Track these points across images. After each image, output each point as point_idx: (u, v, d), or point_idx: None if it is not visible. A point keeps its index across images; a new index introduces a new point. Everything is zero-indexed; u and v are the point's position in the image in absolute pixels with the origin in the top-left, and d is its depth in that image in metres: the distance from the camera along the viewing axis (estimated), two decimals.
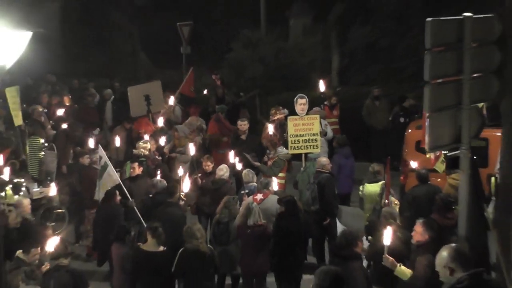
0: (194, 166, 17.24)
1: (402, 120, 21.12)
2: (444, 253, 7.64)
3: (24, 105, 20.94)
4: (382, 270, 11.12)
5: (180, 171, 15.60)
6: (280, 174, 16.59)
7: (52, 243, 11.82)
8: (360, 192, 15.65)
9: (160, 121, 20.20)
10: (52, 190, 15.74)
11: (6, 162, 16.83)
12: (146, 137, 18.64)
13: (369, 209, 14.90)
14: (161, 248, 12.11)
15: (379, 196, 14.74)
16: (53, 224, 14.11)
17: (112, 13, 32.94)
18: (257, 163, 17.14)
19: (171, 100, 22.46)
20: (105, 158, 15.23)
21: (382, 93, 22.67)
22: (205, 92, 25.19)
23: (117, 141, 18.57)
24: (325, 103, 21.77)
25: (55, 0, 30.71)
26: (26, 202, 14.64)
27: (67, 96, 24.93)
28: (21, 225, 13.66)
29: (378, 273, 11.63)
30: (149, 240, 12.09)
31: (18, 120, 18.22)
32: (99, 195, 14.85)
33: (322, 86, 22.01)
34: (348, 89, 23.62)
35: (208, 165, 16.49)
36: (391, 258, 10.66)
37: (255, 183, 15.06)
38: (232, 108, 22.80)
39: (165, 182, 15.18)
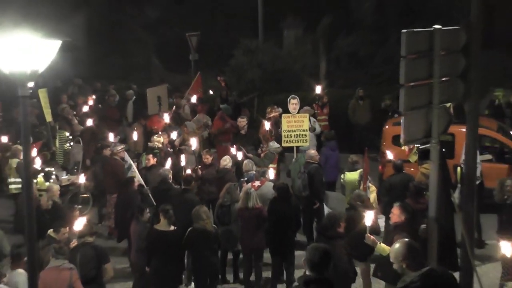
0: (196, 158, 17.38)
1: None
2: (397, 248, 7.58)
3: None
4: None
5: (183, 161, 15.91)
6: (271, 165, 16.60)
7: (78, 223, 11.89)
8: (341, 180, 15.77)
9: (166, 118, 20.22)
10: (81, 178, 15.83)
11: (39, 153, 16.93)
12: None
13: (349, 193, 14.84)
14: (172, 227, 12.13)
15: (357, 183, 14.82)
16: (79, 207, 14.12)
17: (130, 25, 32.96)
18: (250, 155, 17.13)
19: (183, 101, 22.63)
20: (130, 161, 15.36)
21: (365, 94, 22.83)
22: (210, 92, 25.20)
23: (135, 136, 18.62)
24: (317, 102, 21.91)
25: (80, 13, 30.65)
26: (56, 187, 14.69)
27: (91, 96, 24.94)
28: (52, 207, 13.77)
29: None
30: (162, 221, 12.14)
31: (48, 116, 18.37)
32: None
33: (318, 88, 22.24)
34: (333, 91, 23.61)
35: (207, 158, 16.55)
36: (372, 237, 10.75)
37: (254, 172, 15.13)
38: (234, 107, 22.91)
39: (168, 171, 15.12)
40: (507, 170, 16.57)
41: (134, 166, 15.21)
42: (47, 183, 14.91)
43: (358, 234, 11.40)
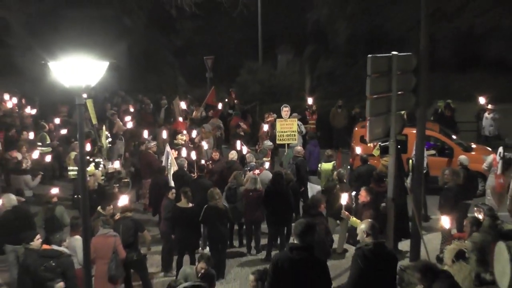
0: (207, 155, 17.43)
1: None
2: (363, 225, 7.75)
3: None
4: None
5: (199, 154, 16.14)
6: (265, 158, 16.57)
7: (121, 202, 11.95)
8: (319, 169, 15.76)
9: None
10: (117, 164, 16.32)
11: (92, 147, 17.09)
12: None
13: (324, 179, 15.05)
14: (190, 205, 12.17)
15: (331, 172, 14.82)
16: (121, 189, 14.11)
17: (161, 51, 32.98)
18: (249, 150, 17.28)
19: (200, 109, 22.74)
20: (172, 158, 15.28)
21: (342, 104, 22.86)
22: (219, 106, 25.23)
23: (164, 135, 18.62)
24: (308, 110, 22.00)
25: (123, 41, 30.63)
26: (99, 173, 14.79)
27: (131, 104, 24.95)
28: (97, 188, 13.82)
29: None
30: (182, 200, 12.16)
31: (94, 120, 18.42)
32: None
33: (309, 100, 22.48)
34: (315, 102, 23.54)
35: (215, 155, 16.66)
36: (346, 212, 10.75)
37: (254, 163, 15.14)
38: (242, 113, 23.00)
39: (184, 161, 15.04)
40: (446, 162, 16.61)
41: (171, 161, 15.17)
42: (97, 171, 14.91)
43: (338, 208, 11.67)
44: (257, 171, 14.45)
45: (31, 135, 18.87)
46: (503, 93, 25.60)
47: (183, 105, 22.76)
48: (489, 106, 21.68)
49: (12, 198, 12.15)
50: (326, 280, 7.12)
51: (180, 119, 21.18)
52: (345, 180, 13.80)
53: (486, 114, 21.45)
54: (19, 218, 11.72)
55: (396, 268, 7.81)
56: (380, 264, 7.43)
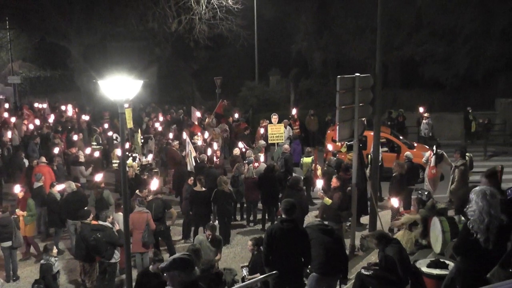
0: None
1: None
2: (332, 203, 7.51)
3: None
4: None
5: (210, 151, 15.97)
6: (259, 154, 16.43)
7: (152, 186, 11.85)
8: (301, 162, 15.65)
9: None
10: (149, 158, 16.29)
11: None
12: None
13: (305, 170, 14.88)
14: (203, 189, 12.05)
15: (310, 164, 14.72)
16: (152, 176, 14.00)
17: (182, 72, 32.88)
18: (247, 147, 17.12)
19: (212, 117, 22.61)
20: (191, 146, 14.90)
21: (315, 113, 22.67)
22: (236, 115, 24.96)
23: (184, 136, 18.48)
24: (291, 119, 21.71)
25: (154, 66, 30.64)
26: (135, 165, 14.66)
27: (160, 113, 24.77)
28: (135, 177, 13.69)
29: None
30: (198, 185, 12.04)
31: (130, 124, 18.14)
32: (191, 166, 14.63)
33: (293, 111, 22.23)
34: (298, 112, 23.39)
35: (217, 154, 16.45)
36: (322, 194, 10.66)
37: (252, 157, 15.03)
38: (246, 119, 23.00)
39: (204, 157, 14.84)
40: (396, 157, 16.53)
41: (191, 154, 14.99)
42: (134, 163, 14.80)
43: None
44: (256, 164, 14.32)
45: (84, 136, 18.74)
46: (436, 105, 25.79)
47: (198, 114, 22.60)
48: (425, 114, 21.71)
49: (72, 184, 12.20)
50: (306, 244, 7.23)
51: (195, 122, 21.02)
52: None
53: (423, 121, 21.44)
54: (77, 199, 11.67)
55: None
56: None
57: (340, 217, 10.40)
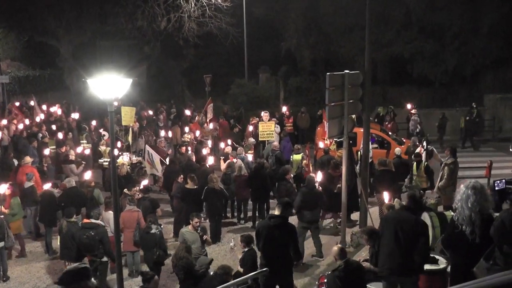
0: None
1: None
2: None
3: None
4: None
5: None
6: (249, 152, 16.41)
7: (142, 184, 11.79)
8: (291, 159, 15.65)
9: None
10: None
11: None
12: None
13: (295, 167, 14.87)
14: (195, 186, 12.02)
15: (300, 161, 14.75)
16: (142, 175, 13.93)
17: (172, 71, 32.72)
18: (235, 145, 17.17)
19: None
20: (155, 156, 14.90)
21: (306, 111, 22.68)
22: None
23: (170, 134, 18.41)
24: (285, 116, 21.71)
25: (143, 64, 30.44)
26: (126, 163, 14.62)
27: (146, 111, 24.51)
28: (126, 174, 13.58)
29: None
30: (189, 183, 12.02)
31: (131, 122, 17.86)
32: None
33: (284, 108, 22.30)
34: (289, 109, 23.35)
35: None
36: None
37: (243, 155, 15.00)
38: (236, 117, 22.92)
39: (192, 155, 14.82)
40: (385, 153, 16.59)
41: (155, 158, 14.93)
42: (124, 161, 14.71)
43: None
44: (235, 160, 14.30)
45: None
46: (425, 101, 25.93)
47: (187, 112, 22.50)
48: (413, 111, 21.81)
49: (72, 180, 12.39)
50: (293, 237, 7.55)
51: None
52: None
53: (412, 117, 21.55)
54: (77, 195, 11.86)
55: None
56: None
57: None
